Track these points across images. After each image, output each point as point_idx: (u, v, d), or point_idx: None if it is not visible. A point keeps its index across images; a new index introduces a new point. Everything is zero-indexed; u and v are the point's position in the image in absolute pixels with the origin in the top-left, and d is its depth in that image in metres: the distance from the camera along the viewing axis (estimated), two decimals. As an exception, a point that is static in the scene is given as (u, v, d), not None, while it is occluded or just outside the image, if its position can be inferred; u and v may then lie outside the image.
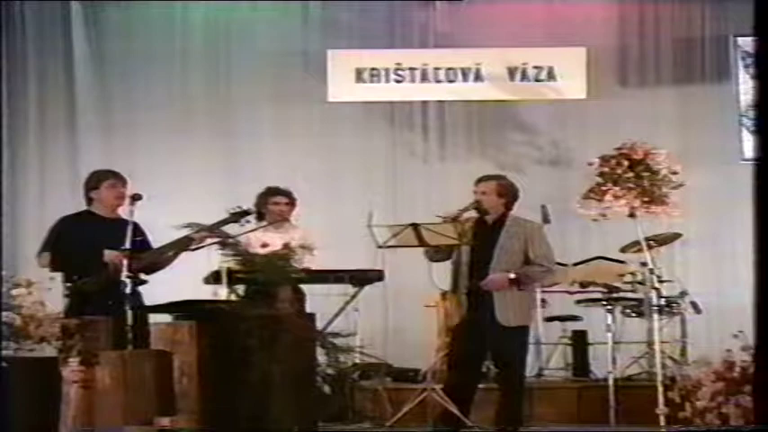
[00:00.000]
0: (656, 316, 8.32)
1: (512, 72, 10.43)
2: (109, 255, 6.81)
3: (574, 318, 9.41)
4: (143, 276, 6.81)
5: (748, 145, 9.88)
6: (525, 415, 7.64)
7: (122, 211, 7.09)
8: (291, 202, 8.28)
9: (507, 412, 7.22)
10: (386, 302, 8.60)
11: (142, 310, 6.70)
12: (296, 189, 8.39)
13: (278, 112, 10.42)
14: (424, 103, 10.61)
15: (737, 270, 9.80)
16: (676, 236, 9.23)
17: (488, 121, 10.53)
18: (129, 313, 6.44)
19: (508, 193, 7.33)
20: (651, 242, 8.59)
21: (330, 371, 7.40)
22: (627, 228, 8.80)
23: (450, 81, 10.46)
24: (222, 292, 6.94)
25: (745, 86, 10.06)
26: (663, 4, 10.54)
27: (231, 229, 7.13)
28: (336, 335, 7.29)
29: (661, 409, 7.36)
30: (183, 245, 6.95)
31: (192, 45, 10.54)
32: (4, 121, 9.93)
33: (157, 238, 7.07)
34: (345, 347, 7.33)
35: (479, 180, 7.36)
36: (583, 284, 9.12)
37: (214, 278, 7.10)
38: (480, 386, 7.43)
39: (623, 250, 9.06)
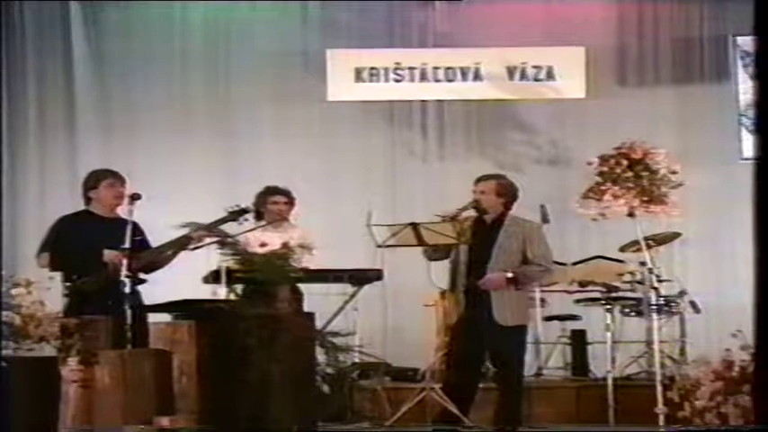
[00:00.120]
0: (655, 315, 8.34)
1: (511, 71, 10.43)
2: (108, 254, 6.81)
3: (573, 317, 9.42)
4: (142, 276, 6.82)
5: (747, 144, 9.89)
6: (524, 414, 7.65)
7: (121, 211, 7.10)
8: (290, 202, 8.28)
9: (506, 412, 7.23)
10: (385, 302, 8.60)
11: (141, 310, 6.71)
12: (295, 188, 8.38)
13: (277, 111, 10.42)
14: (424, 102, 10.61)
15: (737, 269, 9.80)
16: (675, 235, 9.24)
17: (487, 121, 10.53)
18: (129, 313, 6.44)
19: (507, 193, 7.34)
20: (650, 241, 8.60)
21: (329, 370, 7.40)
22: (626, 227, 8.80)
23: (450, 80, 10.46)
24: (221, 292, 6.94)
25: (745, 86, 10.08)
26: (662, 4, 10.55)
27: (230, 228, 7.13)
28: (335, 334, 7.29)
29: (660, 408, 7.38)
30: (181, 244, 6.95)
31: (191, 45, 10.54)
32: (3, 121, 9.93)
33: (157, 238, 7.07)
34: (344, 347, 7.33)
35: (478, 179, 7.37)
36: (582, 284, 9.13)
37: (213, 277, 7.10)
38: (479, 386, 7.43)
39: (622, 250, 9.07)
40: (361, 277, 7.93)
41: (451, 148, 10.55)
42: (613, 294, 8.92)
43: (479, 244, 7.19)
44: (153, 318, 6.79)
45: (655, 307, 8.34)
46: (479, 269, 7.15)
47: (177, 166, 10.20)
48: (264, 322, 6.51)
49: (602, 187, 8.99)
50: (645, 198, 8.95)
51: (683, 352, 8.99)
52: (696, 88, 10.42)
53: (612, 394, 8.25)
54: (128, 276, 6.55)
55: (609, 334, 8.64)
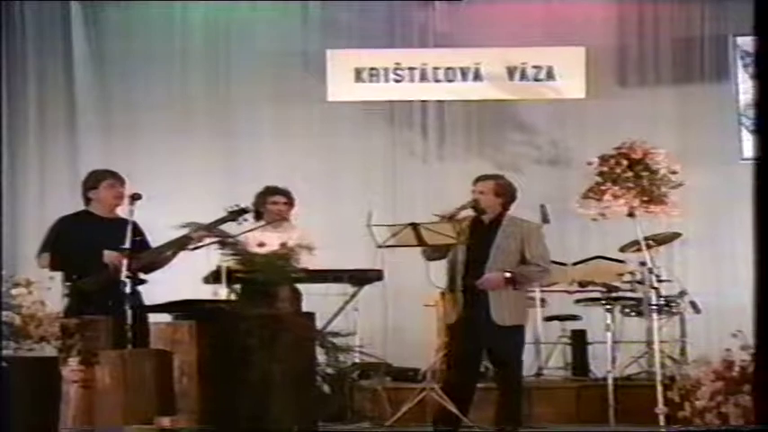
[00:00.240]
0: (655, 315, 8.34)
1: (511, 72, 10.43)
2: (109, 255, 6.80)
3: (573, 317, 9.42)
4: (142, 276, 6.82)
5: (747, 144, 9.89)
6: (524, 414, 7.65)
7: (121, 211, 7.09)
8: (290, 202, 8.28)
9: (506, 412, 7.22)
10: (385, 302, 8.60)
11: (142, 310, 6.71)
12: (295, 189, 8.37)
13: (277, 111, 10.42)
14: (424, 102, 10.61)
15: (736, 269, 9.81)
16: (675, 235, 9.24)
17: (488, 121, 10.53)
18: (129, 313, 6.45)
19: (506, 193, 7.33)
20: (650, 242, 8.60)
21: (330, 370, 7.41)
22: (626, 227, 8.80)
23: (450, 81, 10.46)
24: (222, 292, 6.94)
25: (745, 86, 10.07)
26: (662, 4, 10.55)
27: (231, 228, 7.13)
28: (336, 334, 7.30)
29: (660, 408, 7.38)
30: (181, 244, 6.95)
31: (191, 45, 10.55)
32: (4, 121, 9.93)
33: (157, 239, 7.07)
34: (345, 347, 7.33)
35: (477, 179, 7.37)
36: (582, 284, 9.13)
37: (214, 278, 7.10)
38: (479, 386, 7.44)
39: (622, 250, 9.07)
40: (361, 277, 7.94)
41: (452, 149, 10.55)
42: (613, 294, 8.92)
43: (477, 244, 7.19)
44: (153, 318, 6.80)
45: (655, 307, 8.34)
46: (477, 269, 7.15)
47: (177, 166, 10.21)
48: (265, 322, 6.51)
49: (603, 187, 8.99)
50: (645, 198, 8.95)
51: (683, 352, 8.99)
52: (696, 88, 10.42)
53: (613, 394, 8.24)
54: (128, 277, 6.55)
55: (609, 334, 8.64)
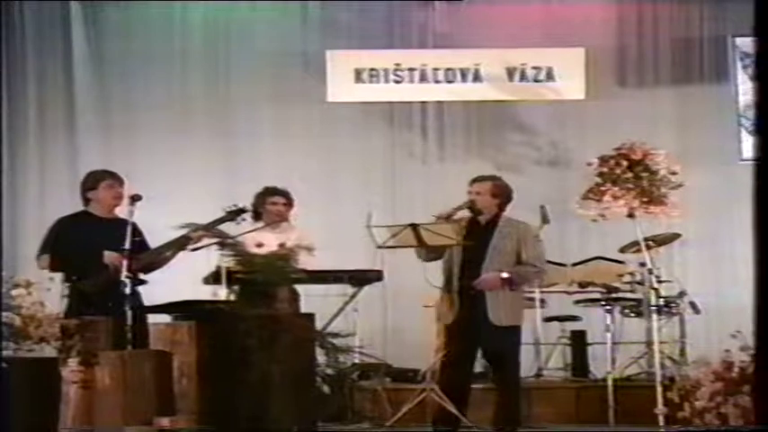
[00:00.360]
0: (654, 316, 8.33)
1: (511, 72, 10.43)
2: (108, 256, 6.80)
3: (573, 318, 9.42)
4: (142, 276, 6.82)
5: (747, 145, 9.89)
6: (524, 415, 7.65)
7: (119, 212, 7.09)
8: (289, 203, 8.27)
9: (505, 412, 7.22)
10: (385, 303, 8.61)
11: (141, 311, 6.71)
12: (295, 189, 8.37)
13: (277, 112, 10.42)
14: (423, 103, 10.61)
15: (736, 270, 9.81)
16: (675, 236, 9.24)
17: (487, 122, 10.53)
18: (129, 313, 6.44)
19: (502, 194, 7.34)
20: (650, 242, 8.60)
21: (329, 371, 7.42)
22: (626, 228, 8.81)
23: (449, 81, 10.46)
24: (221, 293, 6.94)
25: (744, 87, 10.08)
26: (661, 5, 10.55)
27: (230, 229, 7.13)
28: (336, 335, 7.31)
29: (660, 409, 7.38)
30: (180, 244, 6.95)
31: (191, 45, 10.55)
32: (3, 121, 9.93)
33: (157, 239, 7.07)
34: (345, 347, 7.34)
35: (474, 180, 7.37)
36: (582, 284, 9.12)
37: (213, 278, 7.10)
38: (479, 386, 7.44)
39: (622, 250, 9.07)
40: (361, 278, 7.94)
41: (451, 150, 10.55)
42: (613, 295, 8.93)
43: (474, 245, 7.19)
44: (153, 319, 6.80)
45: (654, 308, 8.33)
46: (474, 270, 7.15)
47: (177, 167, 10.20)
48: (265, 323, 6.51)
49: (602, 188, 9.00)
50: (645, 199, 8.96)
51: (682, 353, 8.98)
52: (696, 89, 10.43)
53: (612, 395, 8.25)
54: (128, 277, 6.55)
55: (609, 335, 8.64)
